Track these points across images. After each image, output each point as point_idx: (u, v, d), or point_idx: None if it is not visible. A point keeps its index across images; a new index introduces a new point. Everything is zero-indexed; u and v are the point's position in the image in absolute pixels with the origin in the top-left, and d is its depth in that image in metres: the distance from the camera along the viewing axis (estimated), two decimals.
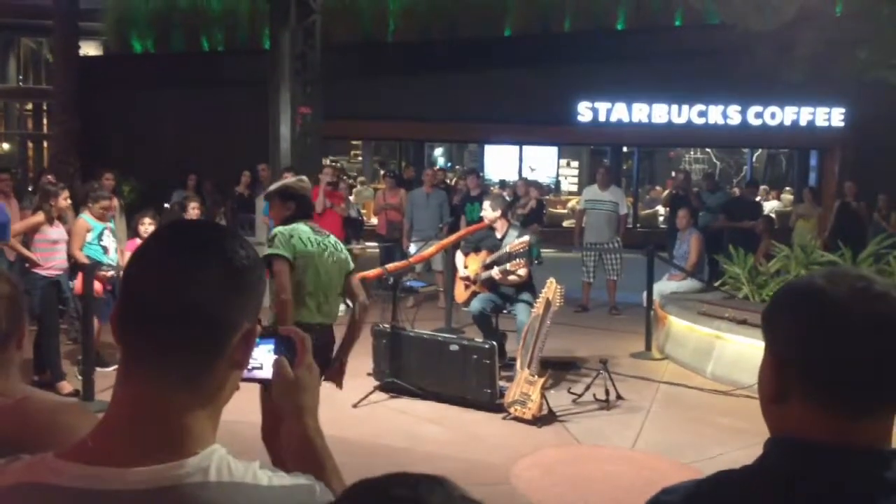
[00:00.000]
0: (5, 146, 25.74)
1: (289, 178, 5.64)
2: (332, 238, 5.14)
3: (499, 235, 7.74)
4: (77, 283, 7.65)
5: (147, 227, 7.89)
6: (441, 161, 23.38)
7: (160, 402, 1.17)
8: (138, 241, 7.35)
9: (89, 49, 20.19)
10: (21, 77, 24.62)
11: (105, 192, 8.51)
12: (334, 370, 4.91)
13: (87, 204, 8.02)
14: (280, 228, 4.96)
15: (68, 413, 1.99)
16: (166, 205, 9.97)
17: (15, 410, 1.92)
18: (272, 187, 5.28)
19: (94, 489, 1.12)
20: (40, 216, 7.83)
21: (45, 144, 24.71)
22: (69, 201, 8.09)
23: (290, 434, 1.45)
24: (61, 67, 16.04)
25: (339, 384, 4.96)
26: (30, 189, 12.84)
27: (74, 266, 7.91)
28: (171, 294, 1.17)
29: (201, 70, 17.73)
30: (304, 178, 5.39)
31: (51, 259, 7.57)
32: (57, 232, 7.65)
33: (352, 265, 5.14)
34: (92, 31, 18.83)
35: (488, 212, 7.82)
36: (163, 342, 1.17)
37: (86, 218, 8.00)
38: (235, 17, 18.45)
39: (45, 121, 25.13)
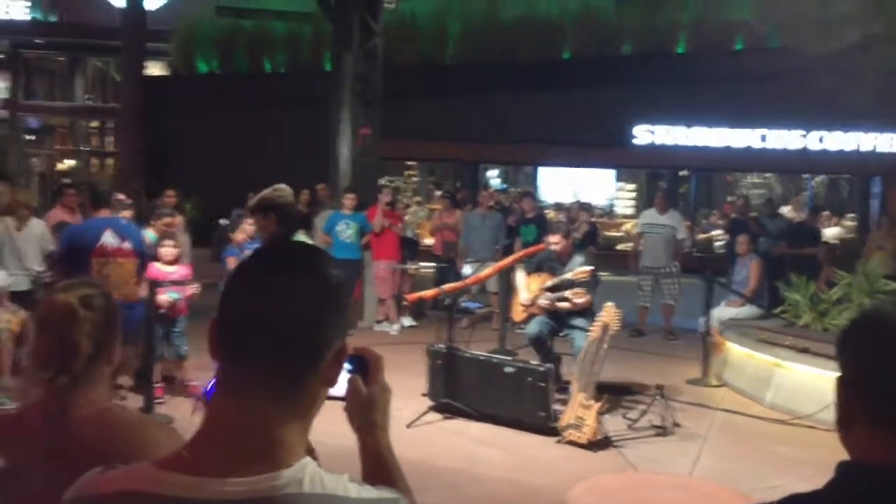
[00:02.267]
0: (71, 162, 26.47)
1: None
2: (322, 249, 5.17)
3: (562, 260, 7.74)
4: None
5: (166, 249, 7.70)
6: (495, 183, 23.42)
7: (256, 416, 1.21)
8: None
9: (155, 69, 20.69)
10: (88, 96, 25.31)
11: (168, 209, 8.71)
12: None
13: (151, 220, 8.23)
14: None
15: (149, 426, 2.06)
16: (221, 221, 10.14)
17: (99, 419, 1.99)
18: (250, 203, 5.20)
19: (193, 498, 1.17)
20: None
21: (110, 161, 25.40)
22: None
23: (362, 450, 1.49)
24: (128, 86, 16.50)
25: None
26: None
27: None
28: (268, 312, 1.22)
29: (263, 91, 18.08)
30: (282, 185, 5.17)
31: None
32: None
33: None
34: (158, 52, 19.32)
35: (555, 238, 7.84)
36: (259, 359, 1.22)
37: (149, 234, 8.20)
38: (298, 40, 18.79)
39: (109, 138, 25.83)
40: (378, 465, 1.48)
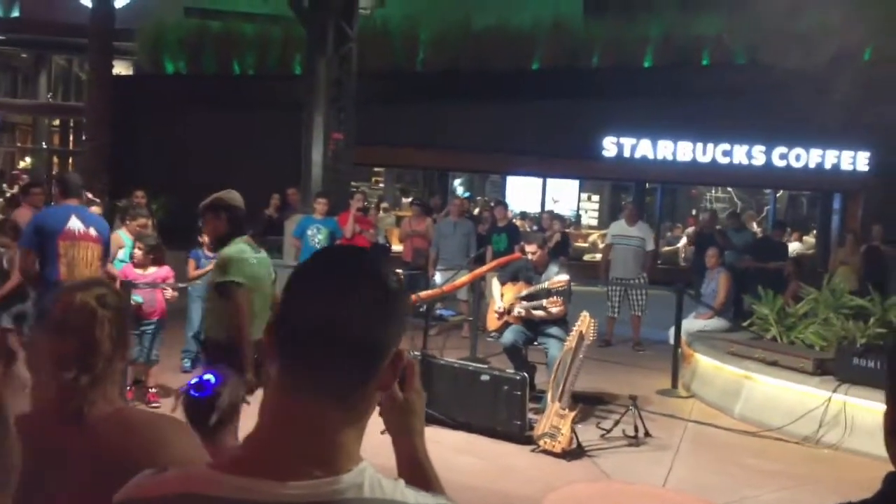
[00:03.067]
0: (29, 160, 26.06)
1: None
2: (263, 252, 5.30)
3: (538, 269, 7.78)
4: None
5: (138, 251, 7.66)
6: (460, 190, 23.49)
7: (315, 419, 1.21)
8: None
9: (121, 68, 20.44)
10: (51, 94, 24.94)
11: (143, 210, 8.62)
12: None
13: (126, 220, 8.12)
14: (230, 252, 5.01)
15: (164, 424, 2.04)
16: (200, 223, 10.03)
17: (115, 419, 1.98)
18: (203, 203, 5.31)
19: (251, 500, 1.16)
20: None
21: (71, 160, 25.03)
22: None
23: (399, 455, 1.50)
24: (95, 85, 16.25)
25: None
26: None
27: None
28: (328, 317, 1.21)
29: (232, 93, 17.94)
30: (233, 190, 5.32)
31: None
32: None
33: (274, 276, 5.29)
34: (125, 51, 19.09)
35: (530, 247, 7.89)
36: (319, 362, 1.21)
37: (121, 234, 8.10)
38: (267, 42, 18.67)
39: (71, 137, 25.47)
40: (416, 469, 1.49)
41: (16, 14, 23.39)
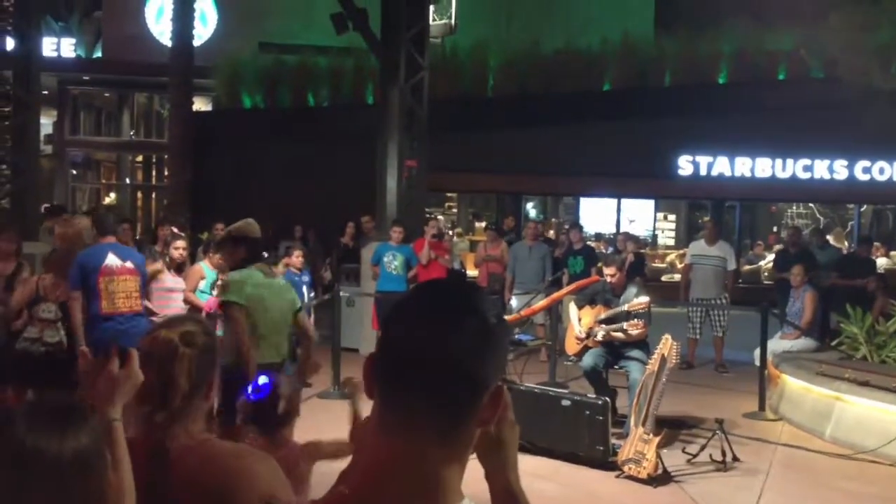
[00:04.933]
0: (113, 196, 26.90)
1: (218, 231, 5.93)
2: (281, 281, 5.61)
3: (616, 291, 7.70)
4: None
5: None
6: (533, 213, 23.39)
7: (418, 455, 1.21)
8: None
9: (200, 104, 21.02)
10: (133, 131, 25.75)
11: None
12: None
13: (208, 253, 8.29)
14: (233, 275, 5.34)
15: (247, 457, 2.07)
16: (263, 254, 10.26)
17: (199, 451, 2.01)
18: (222, 235, 5.67)
19: None
20: (158, 265, 8.13)
21: (154, 195, 25.76)
22: (183, 252, 8.31)
23: (493, 488, 1.49)
24: (176, 122, 16.73)
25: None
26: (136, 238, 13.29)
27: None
28: (431, 351, 1.21)
29: (307, 124, 18.27)
30: (251, 220, 5.62)
31: (166, 307, 7.77)
32: (173, 280, 7.90)
33: (299, 304, 5.52)
34: (204, 88, 19.62)
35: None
36: (422, 397, 1.21)
37: (203, 266, 8.27)
38: (340, 74, 18.99)
39: (154, 172, 26.23)
40: (510, 501, 1.47)
41: (98, 55, 24.28)
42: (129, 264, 6.57)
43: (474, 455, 1.45)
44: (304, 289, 9.34)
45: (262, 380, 3.53)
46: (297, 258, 9.39)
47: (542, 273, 11.38)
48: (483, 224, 18.35)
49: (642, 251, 14.52)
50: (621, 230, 18.98)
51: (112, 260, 6.49)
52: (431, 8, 12.86)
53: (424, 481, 1.20)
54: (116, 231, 7.07)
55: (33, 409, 1.41)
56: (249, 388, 3.55)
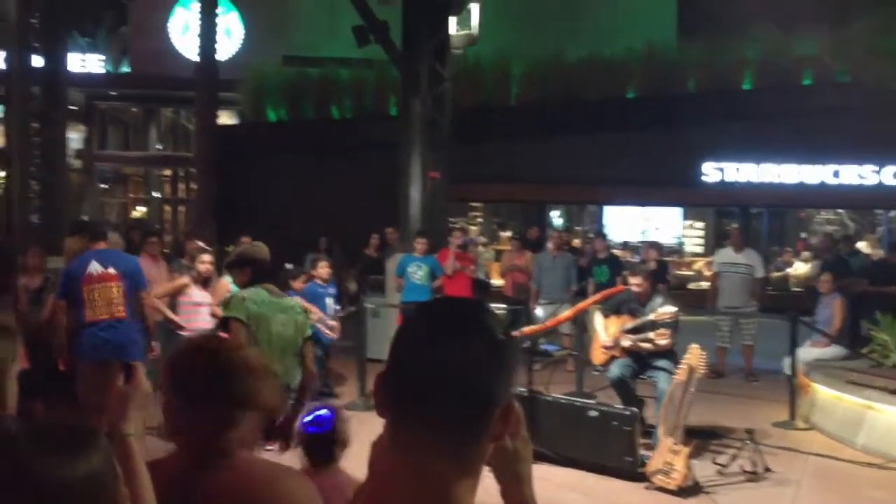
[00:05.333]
0: (142, 209, 27.16)
1: (244, 244, 5.94)
2: (291, 301, 5.50)
3: (642, 301, 7.64)
4: None
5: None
6: (558, 222, 23.32)
7: (430, 473, 1.21)
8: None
9: (226, 118, 21.18)
10: (160, 145, 25.99)
11: None
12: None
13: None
14: (236, 291, 5.44)
15: (283, 473, 2.06)
16: (288, 265, 10.33)
17: (240, 469, 2.00)
18: (230, 257, 5.73)
19: None
20: (185, 279, 8.17)
21: (181, 208, 25.97)
22: (209, 266, 8.35)
23: (508, 503, 1.47)
24: (201, 135, 16.86)
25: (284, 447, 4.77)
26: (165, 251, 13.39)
27: (219, 326, 8.18)
28: (442, 369, 1.21)
29: (331, 137, 18.37)
30: (259, 243, 5.69)
31: (193, 321, 7.80)
32: (201, 294, 7.93)
33: (309, 332, 5.40)
34: (229, 101, 19.77)
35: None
36: (433, 415, 1.21)
37: (228, 279, 8.29)
38: (363, 86, 19.06)
39: (181, 186, 26.45)
40: None
41: (125, 70, 24.53)
42: (111, 270, 6.50)
43: (489, 471, 1.44)
44: (329, 300, 9.36)
45: (323, 412, 3.49)
46: (322, 270, 9.40)
47: (567, 283, 11.35)
48: (508, 233, 18.32)
49: (665, 259, 14.39)
50: (646, 238, 18.90)
51: (94, 267, 6.46)
52: (453, 19, 12.84)
53: (436, 498, 1.20)
54: (104, 236, 7.03)
55: (39, 431, 1.40)
56: (309, 418, 3.51)
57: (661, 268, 13.09)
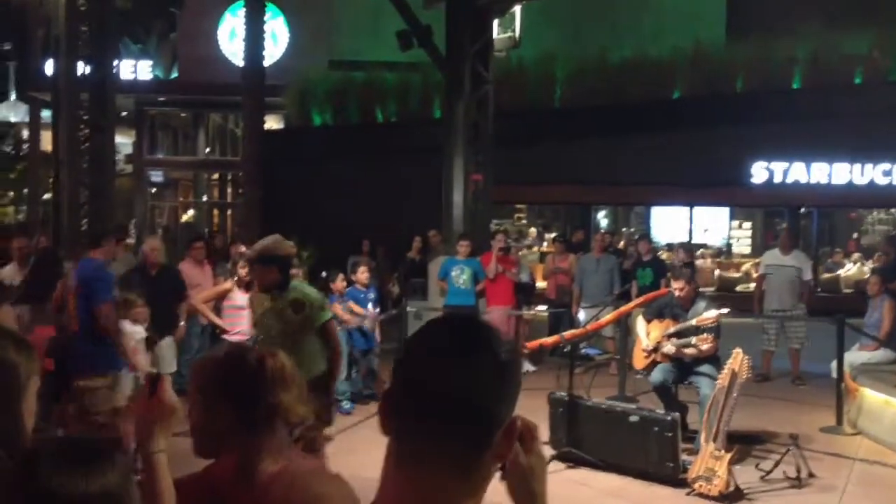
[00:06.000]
0: (191, 213, 27.56)
1: (266, 241, 5.46)
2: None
3: (685, 305, 7.57)
4: None
5: None
6: (604, 224, 23.18)
7: (433, 490, 1.22)
8: None
9: (272, 123, 21.39)
10: (209, 149, 26.34)
11: (294, 261, 8.91)
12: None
13: None
14: (312, 293, 5.39)
15: (326, 480, 2.08)
16: (323, 274, 10.46)
17: (282, 475, 2.01)
18: (250, 252, 5.53)
19: None
20: (228, 283, 8.29)
21: (230, 212, 26.29)
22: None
23: None
24: (248, 140, 17.05)
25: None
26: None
27: None
28: (446, 388, 1.23)
29: (376, 140, 18.46)
30: (280, 237, 5.37)
31: (237, 324, 7.91)
32: (243, 298, 8.02)
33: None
34: (275, 106, 19.96)
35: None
36: (437, 433, 1.23)
37: None
38: (408, 89, 19.12)
39: (229, 190, 26.78)
40: None
41: (175, 76, 24.92)
42: (73, 282, 6.47)
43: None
44: (370, 306, 9.40)
45: None
46: (361, 274, 9.45)
47: (611, 286, 11.27)
48: (552, 235, 18.24)
49: (692, 261, 14.15)
50: (694, 240, 18.74)
51: (72, 279, 6.54)
52: (496, 22, 12.85)
53: None
54: (100, 244, 6.84)
55: (57, 449, 1.44)
56: None
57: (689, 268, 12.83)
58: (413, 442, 1.24)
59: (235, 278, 8.24)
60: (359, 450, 6.28)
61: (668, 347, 7.41)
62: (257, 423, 2.05)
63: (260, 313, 5.35)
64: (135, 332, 7.02)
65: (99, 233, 7.24)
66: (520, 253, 17.11)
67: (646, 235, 13.67)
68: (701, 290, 9.51)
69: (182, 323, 8.50)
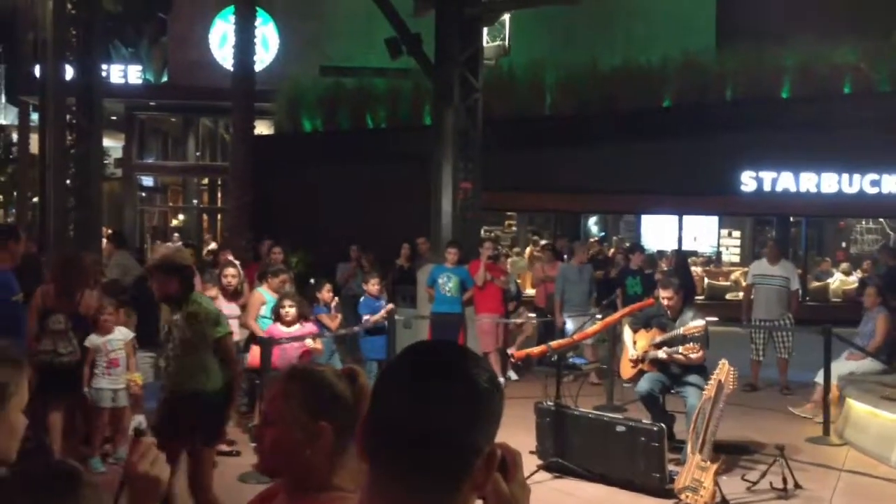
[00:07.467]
0: (182, 217, 27.51)
1: (167, 248, 5.53)
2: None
3: (672, 315, 7.56)
4: (250, 356, 7.94)
5: (287, 309, 7.60)
6: (594, 230, 23.20)
7: None
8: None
9: (262, 128, 21.34)
10: (198, 154, 26.28)
11: (283, 267, 8.90)
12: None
13: (267, 278, 8.39)
14: (209, 306, 5.24)
15: None
16: (312, 280, 10.41)
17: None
18: (151, 261, 5.44)
19: None
20: (214, 290, 8.24)
21: (219, 217, 26.23)
22: (232, 280, 8.40)
23: None
24: (238, 145, 16.98)
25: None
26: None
27: (249, 339, 8.24)
28: (420, 418, 1.20)
29: (365, 147, 18.44)
30: (182, 247, 5.36)
31: None
32: (227, 307, 7.96)
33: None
34: (265, 112, 19.92)
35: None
36: (412, 464, 1.21)
37: (262, 291, 8.35)
38: (398, 95, 19.12)
39: (219, 195, 26.73)
40: None
41: (165, 80, 24.86)
42: None
43: None
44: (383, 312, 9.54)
45: None
46: (373, 286, 9.65)
47: (591, 294, 11.33)
48: (542, 242, 18.25)
49: (688, 269, 14.13)
50: (683, 247, 18.78)
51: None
52: (485, 30, 12.85)
53: None
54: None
55: (26, 473, 1.42)
56: None
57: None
58: (390, 470, 1.22)
59: (219, 286, 8.20)
60: None
61: (660, 354, 7.37)
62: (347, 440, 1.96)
63: (165, 324, 5.26)
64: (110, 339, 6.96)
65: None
66: (509, 261, 17.08)
67: (640, 246, 13.68)
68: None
69: None
